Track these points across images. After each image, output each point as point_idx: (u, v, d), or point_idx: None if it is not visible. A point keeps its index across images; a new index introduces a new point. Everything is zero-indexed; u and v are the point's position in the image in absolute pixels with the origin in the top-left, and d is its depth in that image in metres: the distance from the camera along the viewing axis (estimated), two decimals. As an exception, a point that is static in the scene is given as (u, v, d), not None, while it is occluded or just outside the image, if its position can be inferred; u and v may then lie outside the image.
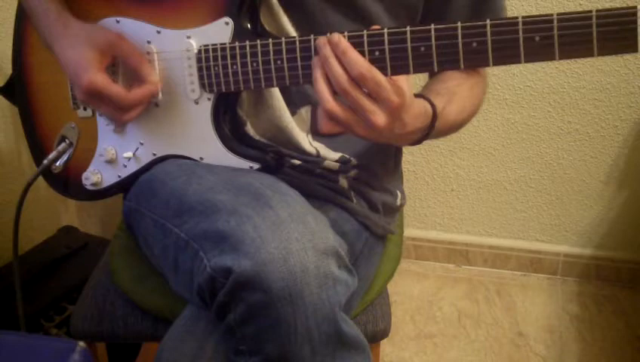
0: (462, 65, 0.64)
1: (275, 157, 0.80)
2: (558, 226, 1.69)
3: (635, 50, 0.57)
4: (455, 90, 0.82)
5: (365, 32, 0.66)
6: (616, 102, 1.49)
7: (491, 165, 1.65)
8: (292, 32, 0.82)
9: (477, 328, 1.55)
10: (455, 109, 0.80)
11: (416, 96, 0.72)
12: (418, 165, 1.70)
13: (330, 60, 0.64)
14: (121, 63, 0.82)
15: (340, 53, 0.64)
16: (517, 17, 0.61)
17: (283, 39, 0.71)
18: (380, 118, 0.64)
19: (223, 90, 0.78)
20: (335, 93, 0.66)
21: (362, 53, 0.66)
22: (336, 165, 0.88)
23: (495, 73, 1.52)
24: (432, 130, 0.74)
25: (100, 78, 0.76)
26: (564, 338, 1.51)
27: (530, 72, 1.50)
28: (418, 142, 0.75)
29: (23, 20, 0.95)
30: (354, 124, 0.66)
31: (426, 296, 1.67)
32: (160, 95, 0.82)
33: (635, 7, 0.56)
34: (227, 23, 0.76)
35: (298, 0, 0.80)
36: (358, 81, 0.64)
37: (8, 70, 0.99)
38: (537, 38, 0.60)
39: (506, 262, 1.75)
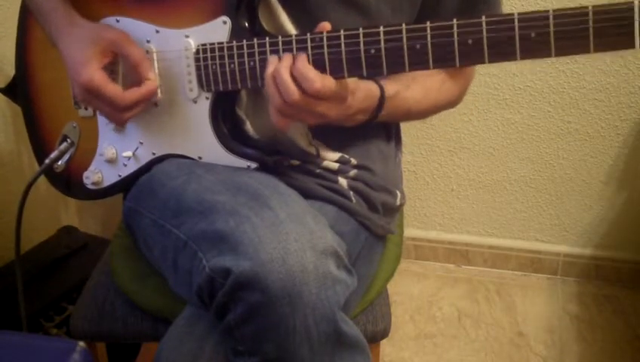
0: (457, 63, 0.64)
1: (274, 157, 0.80)
2: (558, 226, 1.69)
3: (632, 46, 0.57)
4: (418, 79, 0.84)
5: (361, 29, 0.66)
6: (616, 102, 1.49)
7: (491, 165, 1.64)
8: (291, 29, 0.82)
9: (477, 328, 1.54)
10: (415, 96, 0.84)
11: (367, 79, 0.77)
12: (418, 165, 1.69)
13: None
14: (122, 62, 0.82)
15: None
16: (512, 13, 0.61)
17: (280, 37, 0.71)
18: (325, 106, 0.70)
19: (221, 89, 0.78)
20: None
21: (358, 51, 0.67)
22: (336, 165, 0.87)
23: (495, 73, 1.52)
24: (380, 111, 0.79)
25: (98, 76, 0.77)
26: (564, 339, 1.50)
27: (531, 71, 1.50)
28: (368, 122, 0.80)
29: (26, 20, 0.95)
30: (304, 117, 0.72)
31: (426, 296, 1.67)
32: (159, 94, 0.82)
33: (632, 3, 0.56)
34: (225, 22, 0.76)
35: None
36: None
37: (8, 71, 0.99)
38: (533, 35, 0.60)
39: (506, 262, 1.75)
